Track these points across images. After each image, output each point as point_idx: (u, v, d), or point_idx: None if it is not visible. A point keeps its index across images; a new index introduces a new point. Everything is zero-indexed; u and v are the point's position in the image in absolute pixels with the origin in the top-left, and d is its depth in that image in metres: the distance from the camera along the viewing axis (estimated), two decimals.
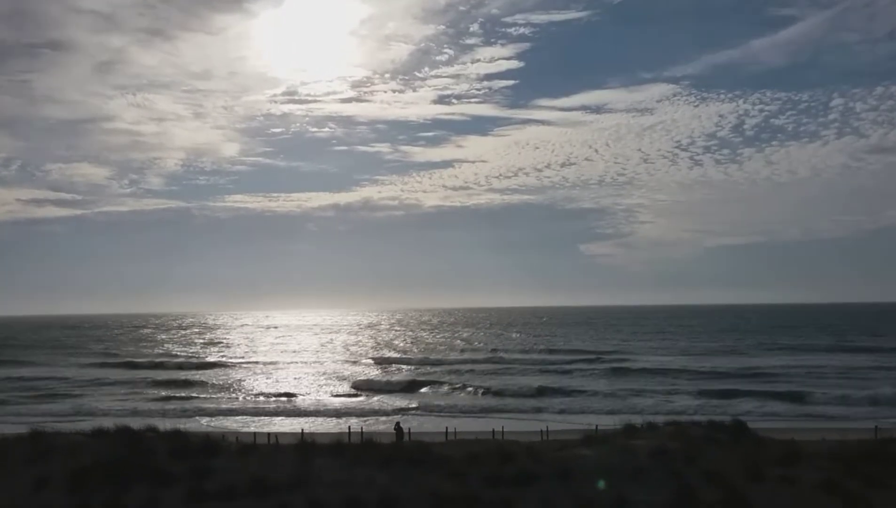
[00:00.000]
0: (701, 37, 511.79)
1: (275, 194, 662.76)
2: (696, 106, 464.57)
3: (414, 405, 58.64)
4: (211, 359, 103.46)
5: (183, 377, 79.02)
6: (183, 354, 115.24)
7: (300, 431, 37.92)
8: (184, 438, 18.93)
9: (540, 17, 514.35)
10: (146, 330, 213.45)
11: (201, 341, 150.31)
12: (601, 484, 14.42)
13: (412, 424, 45.04)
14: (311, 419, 54.57)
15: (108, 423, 20.47)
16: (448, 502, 14.60)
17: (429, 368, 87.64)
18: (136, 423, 20.46)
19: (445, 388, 69.31)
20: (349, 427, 38.28)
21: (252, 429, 44.44)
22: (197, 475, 15.84)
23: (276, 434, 34.79)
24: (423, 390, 69.08)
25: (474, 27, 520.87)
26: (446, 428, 37.97)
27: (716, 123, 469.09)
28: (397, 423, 34.21)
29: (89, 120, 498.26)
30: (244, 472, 15.99)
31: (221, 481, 15.53)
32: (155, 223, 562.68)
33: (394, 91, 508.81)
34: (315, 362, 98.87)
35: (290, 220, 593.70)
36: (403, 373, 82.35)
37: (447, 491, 15.09)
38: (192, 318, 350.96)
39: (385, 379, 75.82)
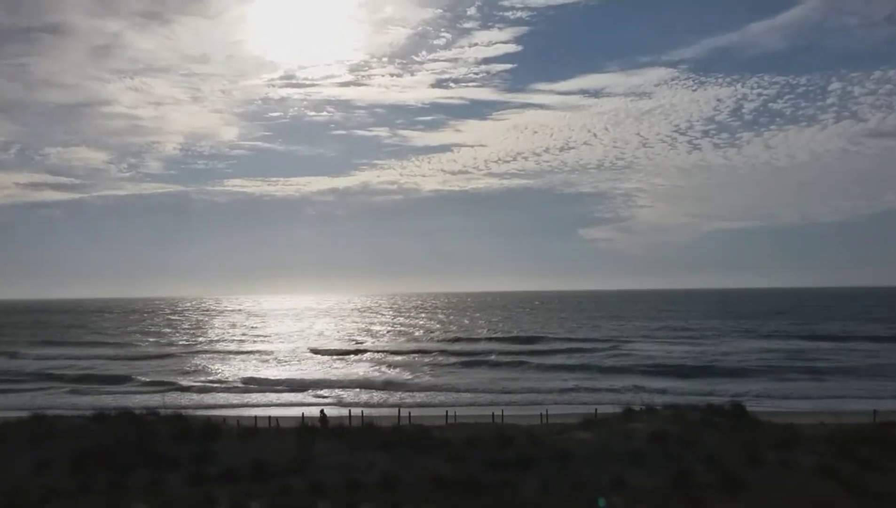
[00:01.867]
0: (699, 20, 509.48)
1: (273, 179, 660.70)
2: (695, 90, 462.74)
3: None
4: (146, 349, 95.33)
5: (91, 370, 74.58)
6: (121, 342, 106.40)
7: (301, 415, 38.06)
8: (185, 422, 19.01)
9: (537, 1, 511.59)
10: (110, 314, 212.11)
11: (153, 328, 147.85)
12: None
13: (413, 410, 45.09)
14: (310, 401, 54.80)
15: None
16: (448, 484, 14.71)
17: (357, 360, 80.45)
18: None
19: (341, 391, 58.98)
20: (349, 412, 38.40)
21: (253, 413, 44.59)
22: (198, 458, 15.94)
23: (278, 418, 34.92)
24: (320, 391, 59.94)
25: (472, 11, 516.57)
26: (446, 412, 38.12)
27: (714, 107, 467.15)
28: (322, 410, 34.69)
29: (87, 104, 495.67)
30: (246, 455, 16.08)
31: (223, 464, 15.64)
32: (153, 207, 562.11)
33: (392, 75, 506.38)
34: (250, 352, 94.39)
35: (289, 204, 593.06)
36: (316, 366, 77.59)
37: (447, 474, 15.19)
38: (180, 303, 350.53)
39: (285, 376, 69.44)
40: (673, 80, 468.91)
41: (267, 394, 58.72)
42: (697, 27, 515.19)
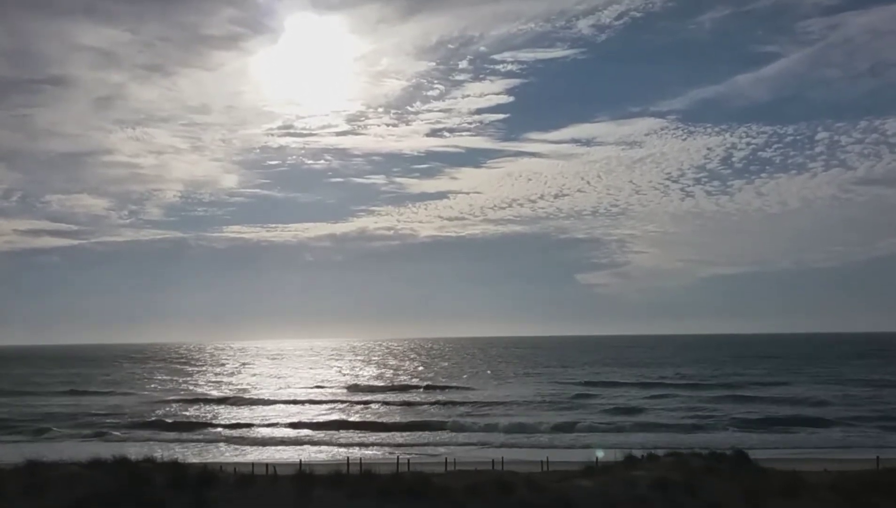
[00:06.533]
0: (686, 73, 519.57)
1: (272, 225, 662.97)
2: (685, 139, 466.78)
3: None
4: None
5: None
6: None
7: (298, 461, 37.65)
8: (181, 469, 18.78)
9: (527, 55, 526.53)
10: (84, 361, 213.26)
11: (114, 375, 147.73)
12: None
13: (412, 457, 44.59)
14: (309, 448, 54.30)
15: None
16: None
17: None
18: None
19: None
20: (348, 458, 37.99)
21: (250, 459, 44.17)
22: (195, 506, 15.72)
23: (275, 465, 34.53)
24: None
25: (464, 64, 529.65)
26: (445, 459, 37.79)
27: (704, 155, 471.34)
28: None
29: (89, 153, 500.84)
30: (242, 503, 15.86)
31: None
32: (152, 253, 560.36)
33: (387, 125, 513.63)
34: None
35: (287, 250, 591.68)
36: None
37: None
38: (178, 348, 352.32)
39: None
40: (662, 129, 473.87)
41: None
42: (685, 79, 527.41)
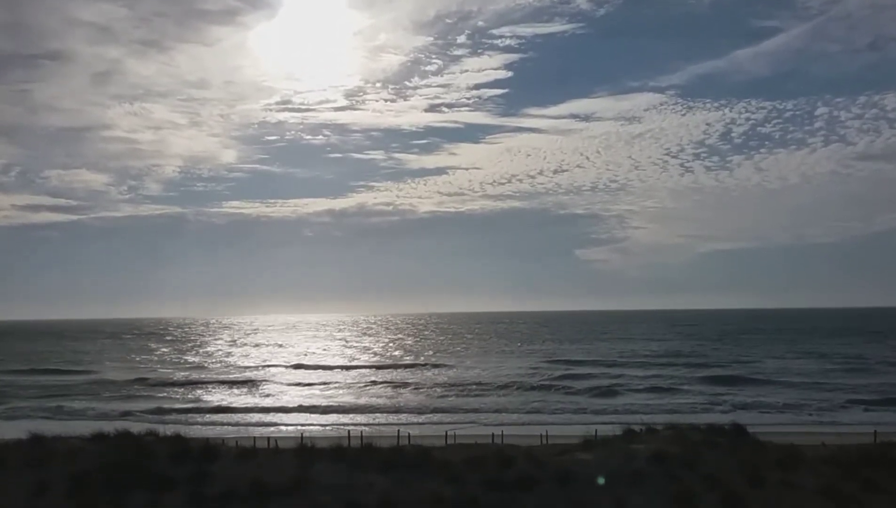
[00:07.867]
0: (685, 48, 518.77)
1: (271, 200, 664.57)
2: (684, 115, 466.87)
3: None
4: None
5: None
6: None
7: (300, 435, 37.91)
8: (184, 442, 18.89)
9: (525, 30, 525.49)
10: (54, 337, 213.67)
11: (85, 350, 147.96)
12: (601, 481, 15.02)
13: (413, 430, 44.90)
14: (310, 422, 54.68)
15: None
16: (448, 506, 14.62)
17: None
18: None
19: None
20: (349, 432, 38.24)
21: (252, 433, 44.45)
22: (197, 479, 15.83)
23: (276, 438, 34.80)
24: None
25: (462, 39, 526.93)
26: (446, 433, 38.06)
27: (703, 131, 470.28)
28: None
29: (88, 128, 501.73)
30: (244, 476, 15.97)
31: (221, 485, 15.52)
32: (151, 229, 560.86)
33: (386, 100, 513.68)
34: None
35: (287, 225, 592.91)
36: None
37: (447, 495, 15.10)
38: (162, 324, 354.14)
39: None
40: (662, 105, 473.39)
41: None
42: (684, 54, 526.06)
